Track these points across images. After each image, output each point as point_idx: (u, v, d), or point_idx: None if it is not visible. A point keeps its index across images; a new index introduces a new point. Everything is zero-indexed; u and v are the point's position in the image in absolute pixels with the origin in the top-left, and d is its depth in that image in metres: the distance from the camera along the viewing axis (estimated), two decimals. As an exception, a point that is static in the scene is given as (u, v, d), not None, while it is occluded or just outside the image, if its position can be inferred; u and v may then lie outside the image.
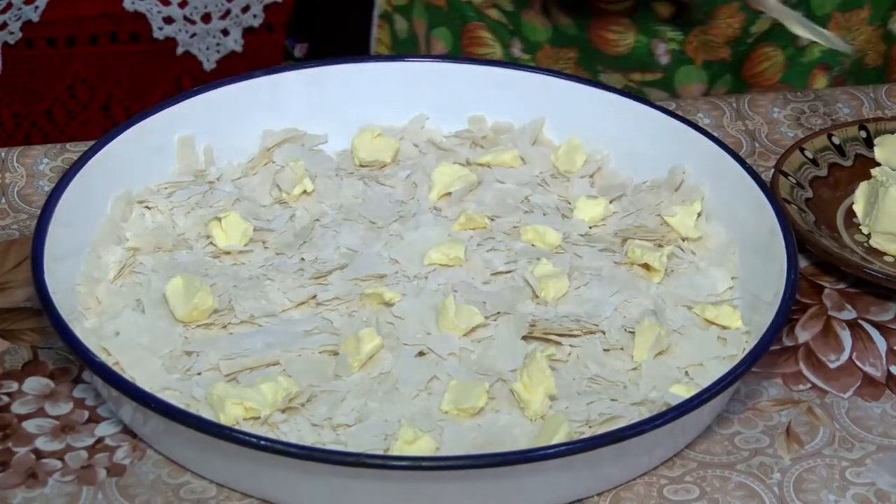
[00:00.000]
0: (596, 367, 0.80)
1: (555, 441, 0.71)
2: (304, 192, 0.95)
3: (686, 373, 0.81)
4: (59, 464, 0.75)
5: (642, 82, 1.31)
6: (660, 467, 0.77)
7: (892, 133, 1.06)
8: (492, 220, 0.94)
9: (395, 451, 0.71)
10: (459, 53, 1.32)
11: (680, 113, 1.02)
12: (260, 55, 1.91)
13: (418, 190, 0.97)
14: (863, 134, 1.06)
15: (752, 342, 0.79)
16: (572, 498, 0.74)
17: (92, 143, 0.92)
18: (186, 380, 0.77)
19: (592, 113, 1.00)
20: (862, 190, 1.00)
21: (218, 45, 1.91)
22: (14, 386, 0.81)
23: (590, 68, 1.30)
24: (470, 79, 1.03)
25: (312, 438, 0.73)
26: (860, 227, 0.99)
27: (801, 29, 1.08)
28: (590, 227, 0.95)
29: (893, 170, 1.00)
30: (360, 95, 1.01)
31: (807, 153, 1.03)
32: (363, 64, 1.03)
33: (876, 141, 1.04)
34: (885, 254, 0.97)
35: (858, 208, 1.00)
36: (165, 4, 1.86)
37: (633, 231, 0.93)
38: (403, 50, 1.36)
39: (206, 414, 0.73)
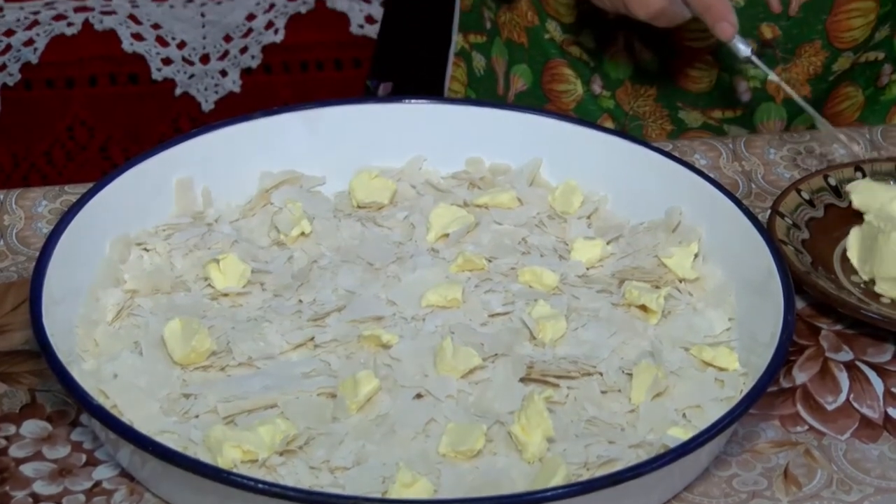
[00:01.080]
0: (594, 409, 0.80)
1: (553, 483, 0.71)
2: (302, 233, 0.95)
3: (684, 415, 0.81)
4: (56, 508, 0.75)
5: (722, 119, 1.31)
6: (658, 509, 0.77)
7: (886, 174, 1.07)
8: (489, 261, 0.94)
9: (393, 494, 0.71)
10: (539, 90, 1.33)
11: (677, 154, 1.02)
12: (258, 95, 1.92)
13: (416, 231, 0.97)
14: (859, 175, 1.06)
15: (749, 384, 0.79)
16: (570, 540, 0.73)
17: (90, 185, 0.92)
18: (184, 422, 0.78)
19: (589, 154, 1.01)
20: (854, 236, 1.00)
21: (216, 85, 1.93)
22: (12, 429, 0.81)
23: (669, 105, 1.31)
24: (467, 120, 1.04)
25: (310, 481, 0.73)
26: (859, 273, 0.99)
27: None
28: (587, 269, 0.95)
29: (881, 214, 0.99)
30: (357, 137, 1.02)
31: (803, 194, 1.03)
32: (360, 105, 1.04)
33: (849, 187, 1.04)
34: (881, 295, 0.97)
35: (853, 255, 1.00)
36: (164, 46, 1.88)
37: (630, 272, 0.93)
38: (480, 88, 1.38)
39: (204, 457, 0.73)
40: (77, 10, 1.84)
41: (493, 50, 1.34)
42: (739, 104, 1.29)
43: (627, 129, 1.28)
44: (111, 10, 1.84)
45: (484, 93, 1.35)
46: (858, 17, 1.19)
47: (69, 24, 1.85)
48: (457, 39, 1.36)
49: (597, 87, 1.31)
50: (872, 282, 0.98)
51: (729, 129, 1.31)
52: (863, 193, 1.03)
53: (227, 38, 1.90)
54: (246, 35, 1.90)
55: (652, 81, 1.29)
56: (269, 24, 1.90)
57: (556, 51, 1.31)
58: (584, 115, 1.29)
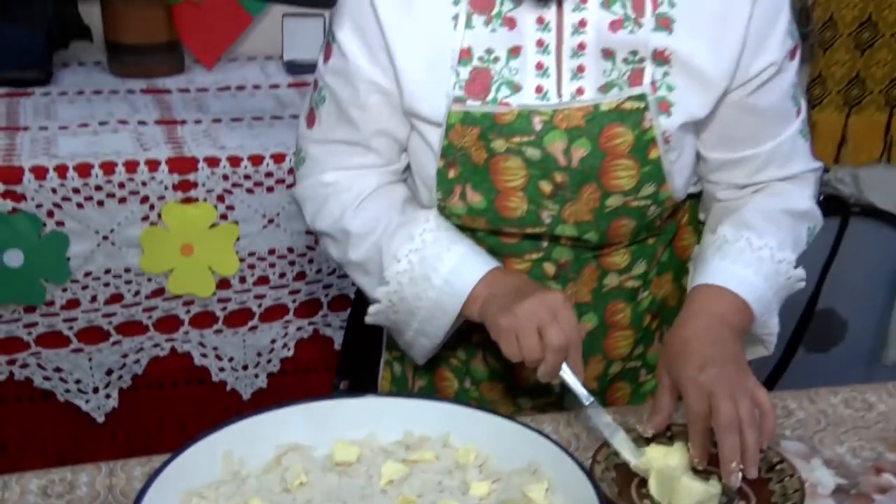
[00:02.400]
0: None
1: None
2: (301, 482, 0.95)
3: None
4: None
5: (545, 403, 1.24)
6: None
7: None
8: (419, 496, 0.94)
9: None
10: (433, 385, 1.28)
11: (532, 423, 1.02)
12: (278, 391, 1.92)
13: (373, 479, 0.97)
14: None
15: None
16: None
17: (168, 455, 0.92)
18: None
19: (476, 426, 1.00)
20: (653, 478, 0.99)
21: (252, 384, 1.93)
22: None
23: (513, 394, 1.25)
24: (396, 407, 1.03)
25: None
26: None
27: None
28: (480, 500, 0.94)
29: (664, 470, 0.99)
30: (330, 415, 1.01)
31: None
32: (330, 401, 1.03)
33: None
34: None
35: (654, 491, 0.98)
36: (219, 360, 1.89)
37: (506, 501, 0.93)
38: (400, 384, 1.32)
39: None
40: (167, 340, 1.85)
41: (404, 361, 1.30)
42: (554, 394, 1.24)
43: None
44: (188, 339, 1.86)
45: (401, 387, 1.31)
46: (623, 170, 1.08)
47: (161, 349, 1.86)
48: (385, 356, 1.33)
49: (467, 384, 1.27)
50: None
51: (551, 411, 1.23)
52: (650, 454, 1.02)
53: (259, 354, 1.92)
54: (270, 352, 1.91)
55: (501, 379, 1.24)
56: (284, 345, 1.92)
57: (444, 363, 1.26)
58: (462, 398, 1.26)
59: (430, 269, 1.09)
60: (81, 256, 1.73)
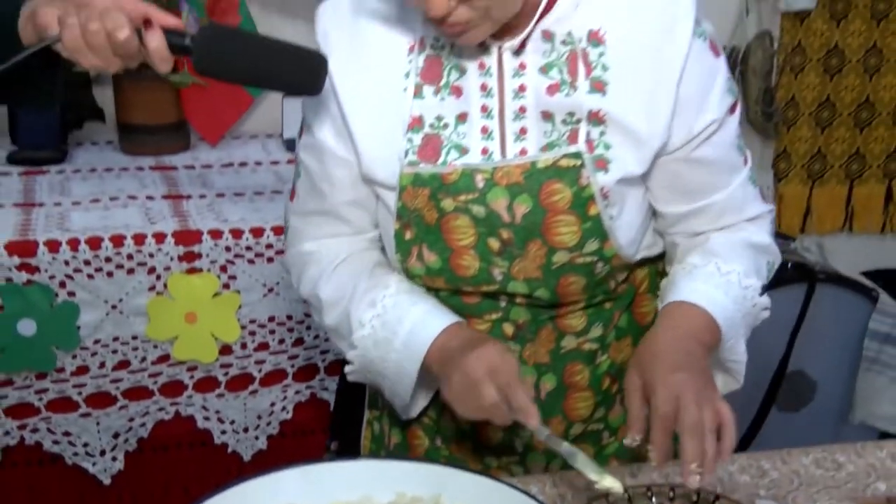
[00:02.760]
0: None
1: None
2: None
3: None
4: None
5: (509, 462, 1.23)
6: None
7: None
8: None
9: None
10: (406, 444, 1.27)
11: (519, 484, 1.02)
12: (278, 452, 1.92)
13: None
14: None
15: None
16: None
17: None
18: None
19: (470, 488, 0.99)
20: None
21: (252, 445, 1.93)
22: None
23: (479, 455, 1.24)
24: (379, 467, 1.02)
25: None
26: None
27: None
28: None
29: None
30: (331, 485, 1.00)
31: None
32: (320, 464, 1.01)
33: None
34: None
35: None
36: (221, 423, 1.88)
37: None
38: (379, 442, 1.32)
39: None
40: (172, 404, 1.85)
41: (382, 419, 1.30)
42: (517, 453, 1.24)
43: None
44: (191, 403, 1.86)
45: (379, 446, 1.32)
46: (564, 226, 1.09)
47: (166, 413, 1.86)
48: (367, 415, 1.33)
49: (438, 441, 1.26)
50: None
51: (515, 469, 1.24)
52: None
53: (259, 417, 1.92)
54: (270, 415, 1.91)
55: (469, 438, 1.23)
56: (283, 408, 1.92)
57: (416, 422, 1.26)
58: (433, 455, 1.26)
59: (391, 333, 1.11)
60: (91, 325, 1.74)
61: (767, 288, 1.18)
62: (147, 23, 0.93)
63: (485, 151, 1.08)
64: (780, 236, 2.65)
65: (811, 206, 2.82)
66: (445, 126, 1.08)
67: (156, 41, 0.93)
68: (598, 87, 1.05)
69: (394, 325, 1.11)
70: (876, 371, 2.43)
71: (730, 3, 2.58)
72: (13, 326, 1.68)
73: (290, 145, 2.24)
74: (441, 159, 1.08)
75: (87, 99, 2.20)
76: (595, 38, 1.05)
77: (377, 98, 1.09)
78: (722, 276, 1.11)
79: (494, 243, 1.11)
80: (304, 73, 0.99)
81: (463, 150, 1.08)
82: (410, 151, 1.09)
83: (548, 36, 1.06)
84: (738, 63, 2.58)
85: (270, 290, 1.83)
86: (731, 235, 1.16)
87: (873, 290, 2.42)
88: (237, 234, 1.79)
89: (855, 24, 2.68)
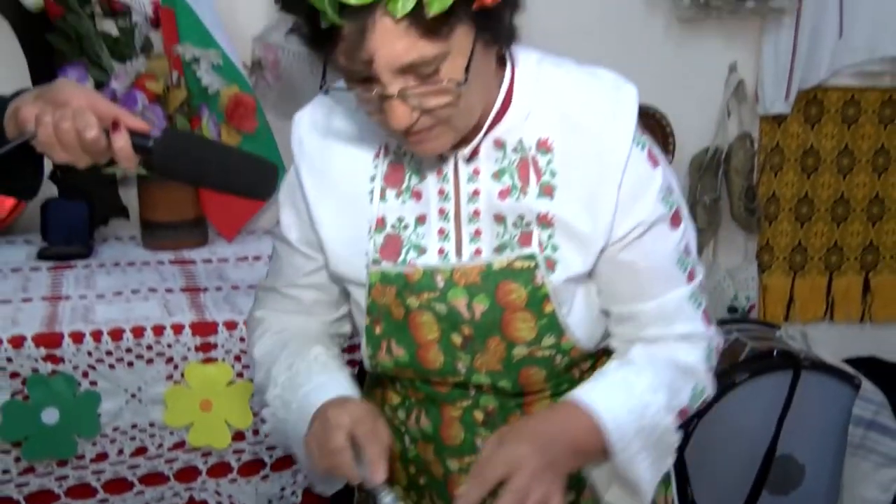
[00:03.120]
0: None
1: None
2: None
3: None
4: None
5: None
6: None
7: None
8: None
9: None
10: None
11: None
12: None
13: None
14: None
15: None
16: None
17: None
18: None
19: None
20: None
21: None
22: None
23: None
24: None
25: None
26: None
27: None
28: None
29: None
30: None
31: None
32: None
33: None
34: None
35: None
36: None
37: None
38: None
39: None
40: (186, 489, 1.82)
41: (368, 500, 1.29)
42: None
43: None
44: (205, 489, 1.84)
45: None
46: (521, 322, 1.10)
47: (181, 498, 1.83)
48: (356, 496, 1.33)
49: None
50: None
51: None
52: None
53: (269, 502, 1.91)
54: (280, 499, 1.90)
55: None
56: (293, 493, 1.91)
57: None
58: None
59: (292, 395, 1.14)
60: (111, 413, 1.75)
61: (712, 401, 1.14)
62: (115, 124, 0.97)
63: (441, 252, 1.11)
64: (766, 325, 2.68)
65: (794, 296, 2.84)
66: (406, 227, 1.11)
67: (121, 141, 0.96)
68: (547, 191, 1.07)
69: (296, 389, 1.14)
70: (861, 456, 2.43)
71: (713, 108, 2.66)
72: (38, 415, 1.69)
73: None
74: (401, 258, 1.11)
75: (113, 197, 2.26)
76: (544, 146, 1.07)
77: (345, 202, 1.13)
78: (625, 385, 1.09)
79: (457, 338, 1.13)
80: (256, 179, 1.03)
81: (421, 250, 1.11)
82: (373, 250, 1.12)
83: (499, 144, 1.09)
84: (722, 162, 2.63)
85: (282, 378, 1.85)
86: (657, 349, 1.13)
87: (855, 377, 2.44)
88: (251, 325, 1.82)
89: (828, 128, 2.75)
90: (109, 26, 2.12)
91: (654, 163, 1.09)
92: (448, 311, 1.11)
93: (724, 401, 2.31)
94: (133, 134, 0.98)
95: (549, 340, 1.12)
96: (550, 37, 2.37)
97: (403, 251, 1.11)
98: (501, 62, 1.08)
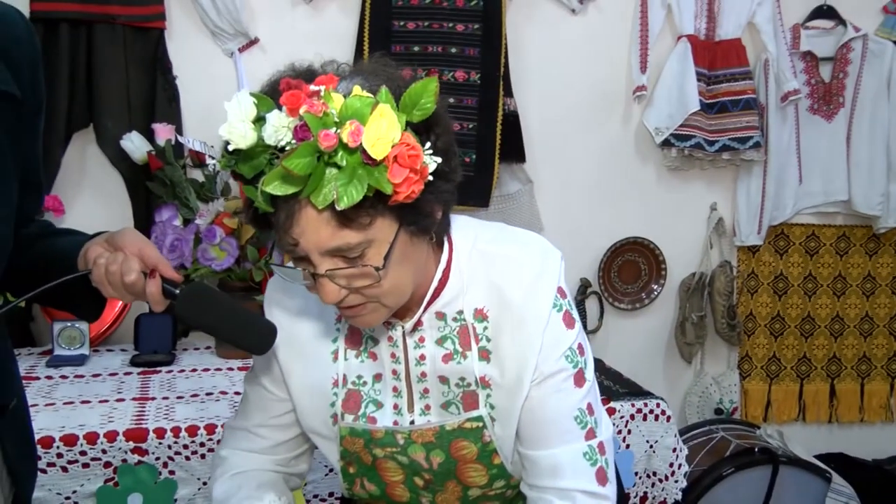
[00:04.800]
0: None
1: None
2: None
3: None
4: None
5: None
6: None
7: None
8: None
9: None
10: None
11: None
12: None
13: None
14: None
15: None
16: None
17: None
18: None
19: None
20: None
21: None
22: None
23: None
24: None
25: None
26: None
27: None
28: None
29: None
30: None
31: None
32: None
33: None
34: None
35: None
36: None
37: None
38: None
39: None
40: None
41: None
42: None
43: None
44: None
45: None
46: (474, 471, 1.08)
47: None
48: None
49: None
50: None
51: None
52: None
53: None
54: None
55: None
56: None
57: None
58: None
59: None
60: (185, 498, 1.76)
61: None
62: (153, 272, 0.97)
63: (395, 407, 1.09)
64: (747, 424, 2.66)
65: (771, 400, 2.81)
66: (364, 383, 1.09)
67: (153, 287, 0.97)
68: (484, 355, 1.04)
69: None
70: (834, 544, 2.36)
71: (697, 240, 2.71)
72: (125, 500, 1.71)
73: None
74: (361, 411, 1.09)
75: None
76: (480, 315, 1.04)
77: (311, 363, 1.10)
78: None
79: (419, 481, 1.12)
80: (257, 336, 1.01)
81: (378, 404, 1.08)
82: (336, 404, 1.09)
83: (440, 316, 1.05)
84: (707, 285, 2.66)
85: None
86: (538, 498, 1.06)
87: (826, 471, 2.39)
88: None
89: (794, 257, 2.78)
90: (196, 174, 2.25)
91: (570, 324, 1.05)
92: (409, 462, 1.10)
93: (712, 491, 2.28)
94: (165, 281, 0.98)
95: (499, 483, 1.11)
96: (565, 187, 2.50)
97: (363, 405, 1.09)
98: (440, 243, 1.04)
